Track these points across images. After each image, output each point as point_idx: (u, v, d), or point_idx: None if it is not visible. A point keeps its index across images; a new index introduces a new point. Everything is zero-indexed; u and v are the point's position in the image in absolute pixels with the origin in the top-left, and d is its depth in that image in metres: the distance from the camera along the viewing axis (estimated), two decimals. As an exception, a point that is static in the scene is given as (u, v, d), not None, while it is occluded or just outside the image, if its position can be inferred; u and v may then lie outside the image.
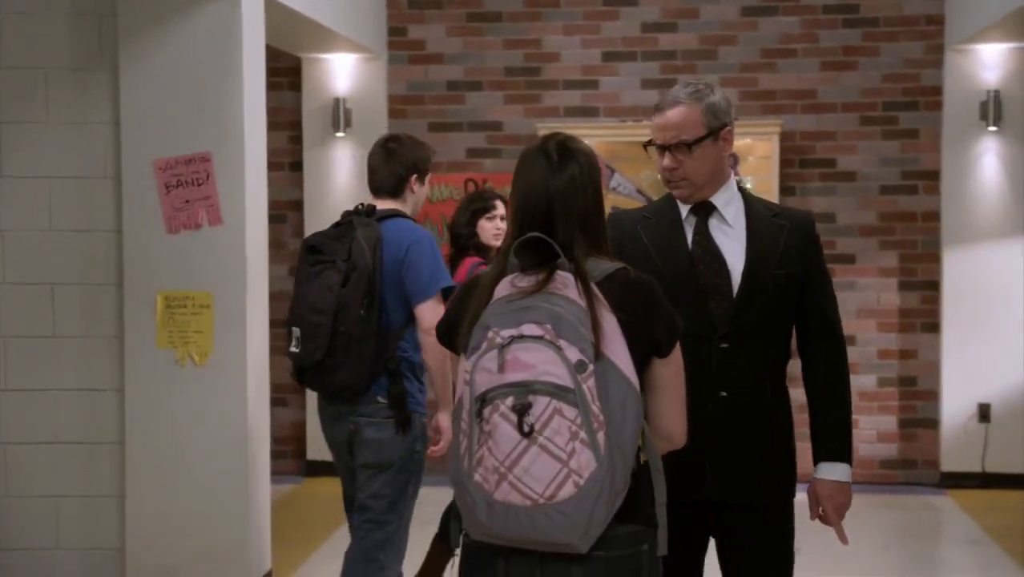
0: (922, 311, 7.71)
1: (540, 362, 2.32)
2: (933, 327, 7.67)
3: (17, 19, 5.30)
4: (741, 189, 3.18)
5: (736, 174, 7.45)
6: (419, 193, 4.53)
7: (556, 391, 2.30)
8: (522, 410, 2.31)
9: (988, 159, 7.48)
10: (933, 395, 7.69)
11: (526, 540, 2.37)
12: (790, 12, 7.66)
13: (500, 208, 5.48)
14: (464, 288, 2.59)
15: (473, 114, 7.86)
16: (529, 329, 2.35)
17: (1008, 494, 7.18)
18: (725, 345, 3.02)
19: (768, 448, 3.10)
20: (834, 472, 3.14)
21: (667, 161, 3.07)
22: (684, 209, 3.14)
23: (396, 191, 4.44)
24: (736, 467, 3.04)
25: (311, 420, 7.89)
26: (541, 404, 2.30)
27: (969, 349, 7.53)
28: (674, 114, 3.04)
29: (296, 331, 4.22)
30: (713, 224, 3.12)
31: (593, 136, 7.63)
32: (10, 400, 5.29)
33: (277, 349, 5.66)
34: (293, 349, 4.25)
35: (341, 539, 6.43)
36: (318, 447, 7.86)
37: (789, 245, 3.10)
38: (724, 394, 3.02)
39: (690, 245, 3.10)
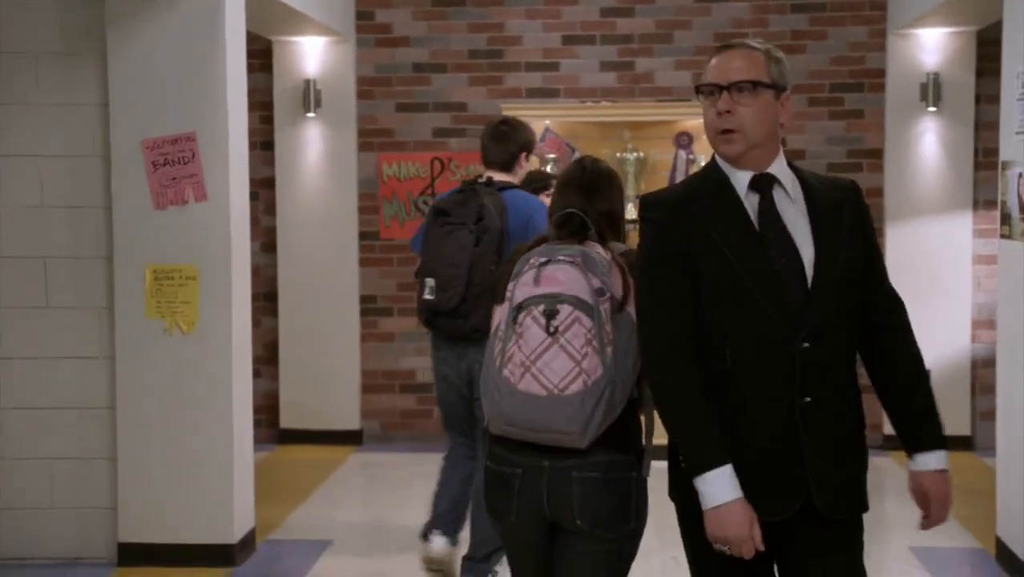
0: (867, 283, 8.10)
1: (568, 280, 2.90)
2: (877, 298, 8.07)
3: (8, 5, 5.54)
4: (789, 160, 2.81)
5: (690, 153, 7.86)
6: (525, 168, 5.21)
7: (578, 303, 2.86)
8: (551, 315, 2.89)
9: (928, 138, 7.87)
10: (877, 362, 8.09)
11: (538, 426, 2.89)
12: (742, -2, 8.02)
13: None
14: (515, 250, 3.17)
15: (439, 95, 8.15)
16: (563, 256, 2.98)
17: (950, 456, 7.57)
18: (807, 344, 2.64)
19: (859, 454, 2.78)
20: (936, 461, 2.79)
21: (722, 103, 2.68)
22: (740, 184, 2.73)
23: (508, 166, 5.11)
24: (835, 481, 2.70)
25: (284, 390, 8.19)
26: (565, 312, 2.87)
27: (911, 318, 7.91)
28: (739, 54, 2.72)
29: (430, 281, 4.88)
30: (778, 198, 2.73)
31: (553, 116, 7.96)
32: (6, 368, 5.56)
33: (255, 321, 5.94)
34: (428, 296, 4.89)
35: (316, 501, 6.78)
36: (291, 415, 8.19)
37: (851, 218, 2.75)
38: (808, 400, 2.65)
39: (757, 225, 2.69)
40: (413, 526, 5.51)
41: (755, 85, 2.68)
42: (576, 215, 3.09)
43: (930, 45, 7.80)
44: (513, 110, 7.80)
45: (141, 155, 5.49)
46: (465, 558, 4.94)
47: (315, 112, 8.11)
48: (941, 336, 7.83)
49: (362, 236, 8.20)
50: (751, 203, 2.71)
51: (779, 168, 2.75)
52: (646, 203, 2.77)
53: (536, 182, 5.74)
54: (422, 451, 7.73)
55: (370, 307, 8.20)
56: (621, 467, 2.95)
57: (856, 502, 2.76)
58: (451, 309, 4.84)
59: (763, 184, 2.72)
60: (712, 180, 2.75)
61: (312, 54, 8.13)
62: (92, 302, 5.55)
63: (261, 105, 8.23)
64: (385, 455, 7.84)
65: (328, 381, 8.14)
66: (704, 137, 7.82)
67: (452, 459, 5.16)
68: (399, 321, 8.17)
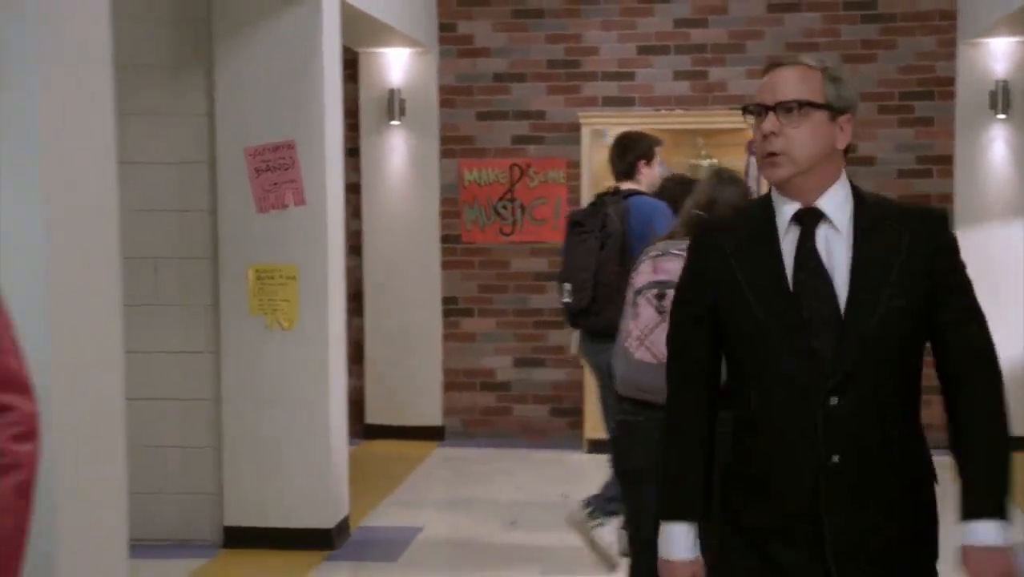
0: (936, 286, 8.28)
1: (676, 269, 3.24)
2: (946, 301, 8.24)
3: (123, 22, 5.91)
4: (857, 189, 2.53)
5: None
6: (650, 173, 5.66)
7: None
8: (660, 297, 3.56)
9: (997, 145, 8.04)
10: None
11: (648, 388, 3.54)
12: (813, 8, 8.23)
13: None
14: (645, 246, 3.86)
15: (518, 104, 8.45)
16: (674, 250, 3.64)
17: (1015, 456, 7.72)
18: (835, 399, 2.41)
19: (904, 519, 2.49)
20: (982, 533, 2.40)
21: (768, 124, 2.44)
22: (784, 217, 2.49)
23: (630, 174, 5.62)
24: (870, 550, 2.45)
25: (369, 387, 8.53)
26: (671, 296, 3.18)
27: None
28: (790, 72, 2.47)
29: (567, 285, 5.50)
30: (822, 236, 2.47)
31: (628, 124, 8.22)
32: (118, 362, 5.94)
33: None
34: (566, 300, 5.50)
35: (404, 491, 7.10)
36: (376, 411, 8.52)
37: (910, 260, 2.44)
38: (836, 460, 2.42)
39: (789, 265, 2.46)
40: (498, 515, 5.80)
41: (802, 105, 2.43)
42: (698, 215, 3.72)
43: (999, 53, 7.97)
44: (589, 118, 8.12)
45: (244, 162, 5.84)
46: (594, 496, 5.45)
47: (399, 120, 8.44)
48: (1006, 337, 7.98)
49: (444, 239, 8.52)
50: (791, 239, 2.47)
51: (832, 199, 2.47)
52: (699, 225, 2.88)
53: (678, 186, 6.16)
54: (502, 447, 8.03)
55: (452, 308, 8.52)
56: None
57: (908, 567, 2.50)
58: (584, 308, 5.43)
59: (807, 219, 2.47)
60: (757, 212, 2.55)
61: (397, 65, 8.47)
62: (199, 300, 5.91)
63: (348, 113, 8.55)
64: (467, 450, 8.14)
65: (412, 379, 8.47)
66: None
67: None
68: (480, 321, 8.48)
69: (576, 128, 8.22)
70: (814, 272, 2.44)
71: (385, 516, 6.55)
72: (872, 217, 2.48)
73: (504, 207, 8.44)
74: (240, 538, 5.83)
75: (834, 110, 2.47)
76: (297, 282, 5.84)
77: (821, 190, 2.47)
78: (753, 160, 8.13)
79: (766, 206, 2.53)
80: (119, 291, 3.78)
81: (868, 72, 8.16)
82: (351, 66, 8.54)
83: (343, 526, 6.04)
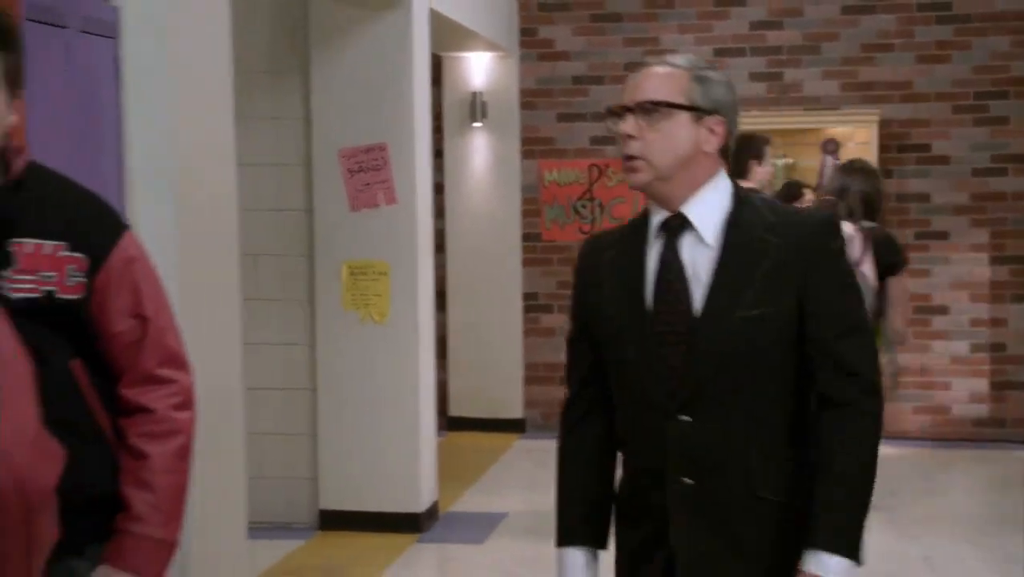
0: (1011, 283, 8.37)
1: None
2: (1021, 298, 8.34)
3: (224, 31, 6.24)
4: (740, 193, 2.37)
5: (836, 158, 8.24)
6: (761, 171, 5.92)
7: None
8: None
9: (1072, 143, 8.12)
10: (1022, 360, 8.36)
11: None
12: (888, 10, 8.36)
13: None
14: None
15: (596, 105, 8.66)
16: None
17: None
18: (686, 417, 2.28)
19: (759, 557, 2.30)
20: (820, 566, 2.23)
21: (625, 126, 2.30)
22: (654, 224, 2.37)
23: (743, 173, 5.78)
24: None
25: (452, 380, 8.80)
26: None
27: None
28: (653, 72, 2.32)
29: None
30: (687, 244, 2.33)
31: (706, 124, 8.42)
32: (220, 353, 6.27)
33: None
34: None
35: (488, 480, 7.35)
36: (459, 404, 8.79)
37: (775, 269, 2.28)
38: (688, 483, 2.29)
39: (650, 274, 2.33)
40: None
41: (658, 105, 2.27)
42: (827, 200, 4.24)
43: (1074, 53, 8.05)
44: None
45: (338, 163, 6.13)
46: None
47: (481, 122, 8.70)
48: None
49: (525, 237, 8.77)
50: (657, 250, 2.34)
51: (700, 206, 2.32)
52: (585, 241, 2.52)
53: (791, 189, 6.47)
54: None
55: (532, 304, 8.77)
56: None
57: None
58: None
59: (672, 227, 2.33)
60: (637, 222, 2.41)
61: (479, 68, 8.73)
62: (295, 295, 6.22)
63: (432, 116, 8.82)
64: (548, 442, 8.29)
65: (493, 373, 8.72)
66: (852, 144, 8.24)
67: None
68: (559, 317, 8.71)
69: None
70: (671, 284, 2.30)
71: (471, 502, 6.82)
72: (743, 224, 2.32)
73: (583, 206, 8.67)
74: (335, 521, 6.12)
75: (700, 111, 2.30)
76: (389, 278, 6.12)
77: (688, 196, 2.32)
78: (828, 159, 8.29)
79: (643, 215, 2.40)
80: (238, 285, 4.06)
81: (943, 72, 8.28)
82: (435, 70, 8.78)
83: (432, 511, 6.31)
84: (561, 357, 8.80)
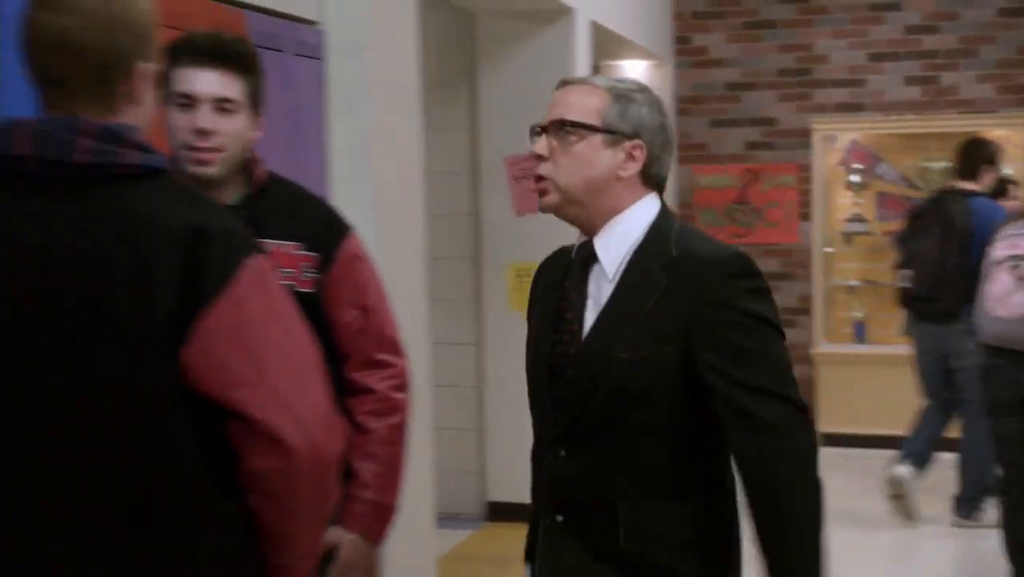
0: None
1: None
2: None
3: (396, 45, 6.59)
4: (661, 222, 2.21)
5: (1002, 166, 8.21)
6: (990, 177, 6.24)
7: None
8: (1015, 268, 4.53)
9: None
10: None
11: (1009, 338, 4.54)
12: (1046, 11, 8.33)
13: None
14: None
15: (750, 111, 8.81)
16: None
17: None
18: (563, 452, 2.23)
19: None
20: None
21: (537, 145, 2.22)
22: (575, 250, 2.28)
23: (972, 176, 6.21)
24: None
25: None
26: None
27: None
28: (572, 90, 2.22)
29: (906, 272, 6.24)
30: (594, 276, 2.22)
31: (859, 129, 8.50)
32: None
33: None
34: (904, 284, 6.27)
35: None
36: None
37: (660, 308, 2.13)
38: (560, 520, 2.25)
39: (556, 307, 2.26)
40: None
41: (565, 125, 2.18)
42: None
43: None
44: (821, 124, 8.42)
45: (503, 170, 6.42)
46: (955, 497, 6.12)
47: (636, 129, 8.89)
48: None
49: (678, 242, 8.93)
50: (573, 279, 2.25)
51: (608, 236, 2.19)
52: (541, 263, 2.42)
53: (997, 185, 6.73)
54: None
55: (685, 307, 8.93)
56: None
57: None
58: (924, 295, 6.15)
59: (583, 256, 2.24)
60: (575, 248, 2.29)
61: (634, 75, 8.94)
62: (464, 295, 6.52)
63: (587, 124, 9.08)
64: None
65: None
66: (1010, 148, 8.22)
67: (930, 411, 6.31)
68: (712, 320, 8.86)
69: (807, 134, 8.53)
70: (565, 316, 2.22)
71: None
72: (644, 258, 2.17)
73: (737, 210, 8.81)
74: (501, 512, 6.40)
75: (616, 134, 2.16)
76: (552, 280, 6.36)
77: (604, 223, 2.20)
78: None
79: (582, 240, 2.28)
80: (425, 286, 4.36)
81: (1104, 74, 8.21)
82: (590, 79, 9.05)
83: (593, 505, 6.54)
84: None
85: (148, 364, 1.70)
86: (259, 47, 3.20)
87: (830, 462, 7.49)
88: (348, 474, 2.59)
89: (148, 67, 1.80)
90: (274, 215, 2.53)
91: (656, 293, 2.13)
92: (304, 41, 3.51)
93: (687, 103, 8.93)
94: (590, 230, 2.21)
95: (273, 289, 1.79)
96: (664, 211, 2.23)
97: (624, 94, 2.19)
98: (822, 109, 8.68)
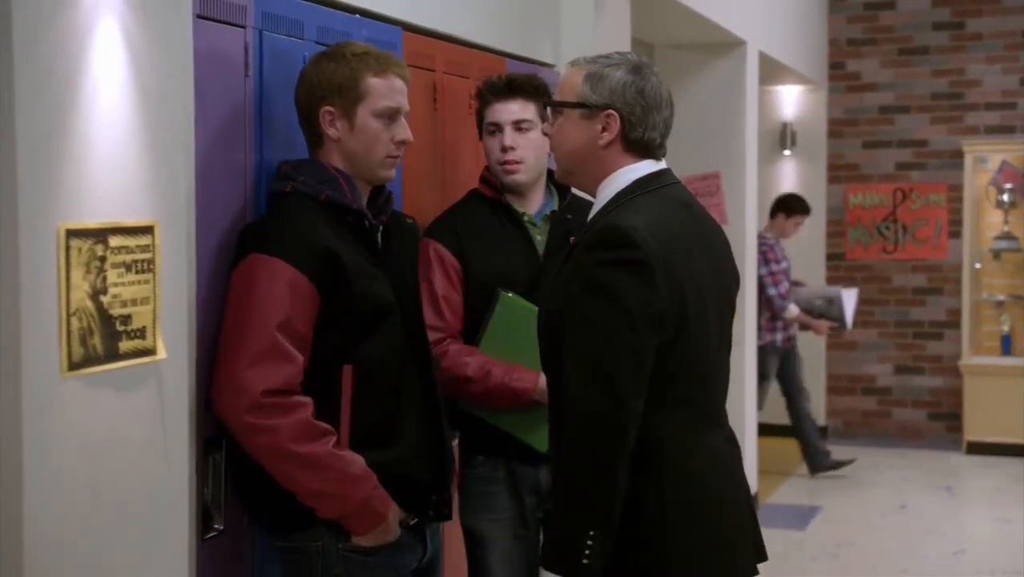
0: None
1: None
2: None
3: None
4: (627, 191, 2.41)
5: None
6: None
7: None
8: None
9: None
10: None
11: None
12: None
13: None
14: None
15: (902, 133, 9.22)
16: None
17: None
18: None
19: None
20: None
21: (544, 126, 2.62)
22: None
23: None
24: None
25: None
26: None
27: None
28: (566, 73, 2.54)
29: None
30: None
31: (1010, 151, 8.86)
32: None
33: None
34: None
35: (798, 479, 7.99)
36: (764, 411, 9.48)
37: (565, 272, 2.41)
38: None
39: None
40: (888, 499, 6.65)
41: (553, 106, 2.50)
42: None
43: None
44: (972, 146, 8.81)
45: (677, 188, 6.97)
46: None
47: (790, 150, 9.39)
48: None
49: (829, 257, 9.39)
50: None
51: (598, 199, 2.46)
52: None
53: None
54: (882, 446, 8.82)
55: (836, 319, 9.38)
56: None
57: None
58: None
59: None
60: None
61: (789, 100, 9.43)
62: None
63: (743, 144, 9.60)
64: (850, 448, 8.96)
65: (798, 382, 9.37)
66: None
67: None
68: (862, 332, 9.28)
69: (958, 155, 8.92)
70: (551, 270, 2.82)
71: (787, 496, 7.52)
72: (586, 224, 2.46)
73: (887, 227, 9.23)
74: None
75: (588, 108, 2.40)
76: (721, 290, 6.90)
77: (593, 190, 2.47)
78: None
79: None
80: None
81: None
82: (747, 101, 9.57)
83: (754, 500, 7.05)
84: (863, 370, 9.44)
85: None
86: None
87: (976, 471, 7.97)
88: None
89: None
90: (577, 222, 3.14)
91: (571, 255, 2.41)
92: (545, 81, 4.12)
93: (840, 126, 9.37)
94: (592, 195, 2.50)
95: None
96: (646, 179, 2.42)
97: (599, 67, 2.41)
98: (973, 131, 9.04)
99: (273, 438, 2.42)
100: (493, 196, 3.20)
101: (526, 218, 3.21)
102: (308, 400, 2.48)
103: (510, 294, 3.11)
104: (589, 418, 2.26)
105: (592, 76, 2.39)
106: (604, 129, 2.39)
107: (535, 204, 3.23)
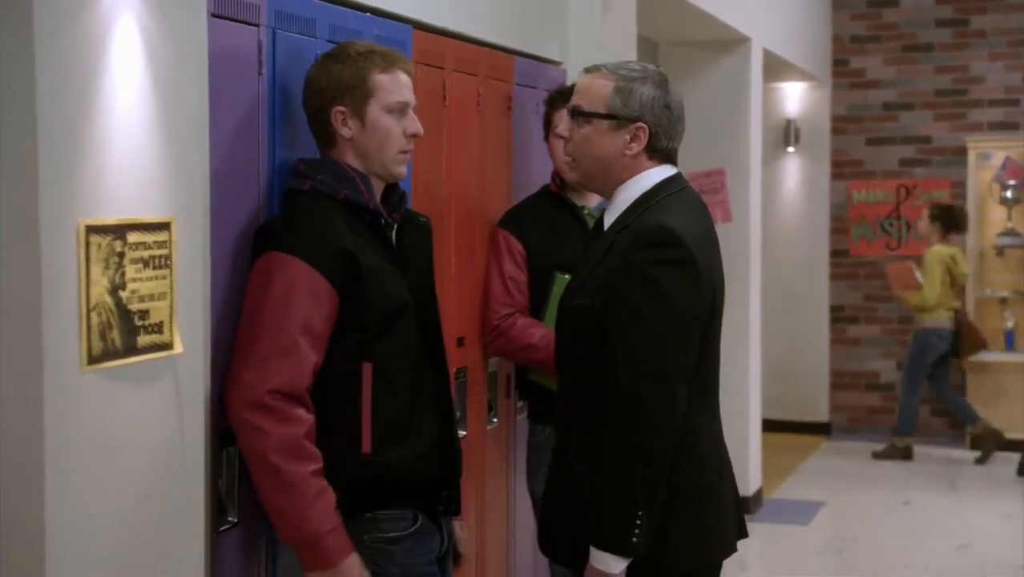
0: None
1: None
2: None
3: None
4: (651, 195, 2.52)
5: None
6: None
7: None
8: None
9: None
10: None
11: None
12: None
13: None
14: None
15: (905, 130, 9.25)
16: None
17: None
18: (562, 378, 2.68)
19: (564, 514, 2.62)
20: (598, 559, 2.47)
21: (562, 127, 2.79)
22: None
23: None
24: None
25: (763, 384, 9.51)
26: None
27: None
28: (585, 79, 2.59)
29: None
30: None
31: (1013, 147, 8.89)
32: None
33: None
34: None
35: (802, 473, 8.04)
36: (769, 407, 9.52)
37: (604, 269, 2.50)
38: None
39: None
40: (893, 494, 6.67)
41: (579, 114, 2.56)
42: None
43: None
44: (975, 143, 8.84)
45: (681, 185, 7.00)
46: None
47: (794, 147, 9.41)
48: None
49: (833, 253, 9.43)
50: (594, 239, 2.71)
51: (617, 200, 2.57)
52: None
53: None
54: (886, 442, 8.83)
55: (839, 315, 9.41)
56: None
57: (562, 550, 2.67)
58: None
59: (599, 220, 2.68)
60: None
61: (793, 97, 9.45)
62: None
63: (747, 141, 9.62)
64: (852, 444, 9.00)
65: (802, 378, 9.40)
66: None
67: None
68: (865, 328, 9.32)
69: (962, 152, 8.95)
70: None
71: (790, 491, 7.56)
72: (617, 224, 2.55)
73: (890, 224, 9.26)
74: (675, 498, 6.95)
75: (619, 120, 2.50)
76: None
77: (612, 193, 2.57)
78: None
79: None
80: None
81: None
82: (751, 98, 9.59)
83: (758, 495, 7.09)
84: (865, 366, 9.50)
85: None
86: (519, 85, 3.87)
87: (980, 466, 8.00)
88: None
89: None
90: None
91: (610, 252, 2.49)
92: (552, 78, 4.14)
93: (843, 123, 9.40)
94: (607, 197, 2.61)
95: None
96: (666, 182, 2.54)
97: (629, 82, 2.51)
98: (976, 128, 9.07)
99: (260, 441, 2.45)
100: (556, 192, 3.68)
101: (585, 211, 3.65)
102: (309, 417, 2.50)
103: (566, 276, 3.41)
104: (644, 410, 2.39)
105: (622, 90, 2.50)
106: (632, 140, 2.51)
107: (596, 198, 3.54)
